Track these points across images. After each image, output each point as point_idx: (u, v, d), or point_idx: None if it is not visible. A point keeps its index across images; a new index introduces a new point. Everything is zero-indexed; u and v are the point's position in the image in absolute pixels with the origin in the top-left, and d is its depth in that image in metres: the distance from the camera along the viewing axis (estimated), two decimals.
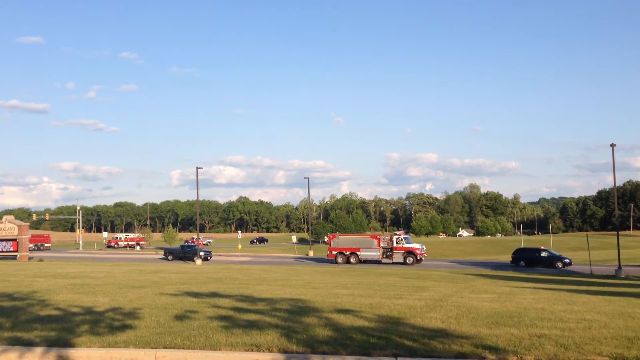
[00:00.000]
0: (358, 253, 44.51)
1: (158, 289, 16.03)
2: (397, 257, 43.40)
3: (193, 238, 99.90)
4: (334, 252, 45.49)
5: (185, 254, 50.89)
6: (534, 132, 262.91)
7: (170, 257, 51.01)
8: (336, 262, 44.37)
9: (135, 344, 7.47)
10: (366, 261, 44.27)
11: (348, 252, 44.76)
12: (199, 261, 44.76)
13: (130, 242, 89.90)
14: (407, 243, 44.46)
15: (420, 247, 45.34)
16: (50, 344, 7.52)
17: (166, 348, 7.24)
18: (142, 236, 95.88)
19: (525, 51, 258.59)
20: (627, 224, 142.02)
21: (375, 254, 44.07)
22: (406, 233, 63.96)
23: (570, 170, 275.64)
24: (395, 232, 50.39)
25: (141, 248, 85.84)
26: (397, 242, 43.87)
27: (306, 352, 7.01)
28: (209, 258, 50.85)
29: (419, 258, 43.88)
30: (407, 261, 43.17)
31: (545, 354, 6.93)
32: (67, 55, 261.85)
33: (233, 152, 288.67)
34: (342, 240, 46.44)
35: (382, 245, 44.20)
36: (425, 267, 40.00)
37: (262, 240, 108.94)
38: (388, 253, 43.86)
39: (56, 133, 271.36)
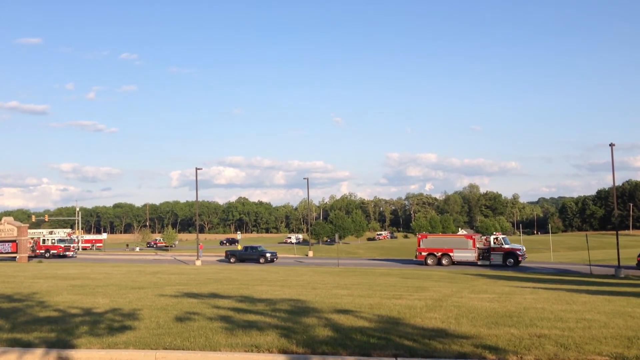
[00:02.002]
0: (451, 254, 42.13)
1: (158, 290, 16.03)
2: (496, 258, 40.95)
3: (156, 240, 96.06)
4: (423, 253, 43.13)
5: (249, 255, 47.88)
6: (533, 132, 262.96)
7: (232, 260, 47.64)
8: (426, 264, 42.22)
9: (135, 345, 7.47)
10: (460, 263, 41.81)
11: (439, 253, 42.47)
12: (198, 262, 44.67)
13: (84, 245, 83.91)
14: (505, 243, 41.93)
15: (520, 247, 42.87)
16: (49, 345, 7.51)
17: (166, 349, 7.24)
18: (100, 237, 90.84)
19: (524, 50, 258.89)
20: (626, 224, 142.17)
21: (471, 255, 41.75)
22: (405, 232, 63.24)
23: (570, 170, 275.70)
24: (493, 232, 47.33)
25: (98, 250, 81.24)
26: (494, 243, 41.52)
27: (306, 352, 7.01)
28: (275, 259, 47.76)
29: (519, 260, 41.19)
30: (507, 263, 40.61)
31: (545, 354, 6.93)
32: (67, 56, 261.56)
33: (232, 153, 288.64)
34: (433, 241, 44.40)
35: (477, 245, 41.98)
36: (425, 268, 40.01)
37: (232, 242, 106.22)
38: (485, 254, 41.54)
39: (56, 134, 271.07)
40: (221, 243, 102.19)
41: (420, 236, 46.12)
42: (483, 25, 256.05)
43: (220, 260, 49.87)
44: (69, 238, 60.97)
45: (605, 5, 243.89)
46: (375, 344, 7.41)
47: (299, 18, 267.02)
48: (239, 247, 57.60)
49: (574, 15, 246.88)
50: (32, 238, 58.09)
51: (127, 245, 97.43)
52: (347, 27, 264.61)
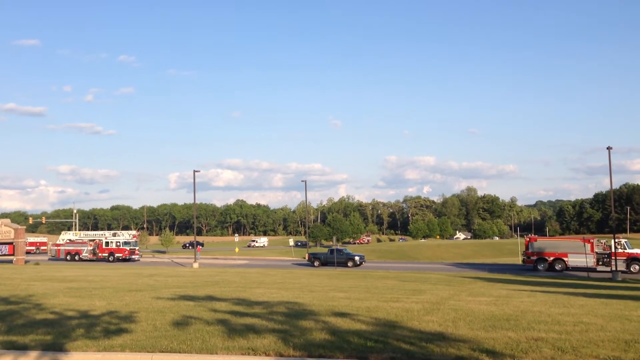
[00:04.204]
0: (565, 259, 39.27)
1: (154, 293, 16.00)
2: (618, 264, 37.52)
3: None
4: (532, 258, 40.36)
5: (335, 258, 43.98)
6: (531, 135, 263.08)
7: (316, 263, 44.61)
8: (535, 269, 39.60)
9: (132, 347, 7.45)
10: (575, 269, 38.97)
11: (551, 258, 39.65)
12: (195, 264, 44.56)
13: (28, 248, 71.05)
14: (628, 247, 39.37)
15: None
16: (45, 348, 7.49)
17: (162, 352, 7.22)
18: (44, 240, 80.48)
19: (522, 54, 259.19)
20: (623, 227, 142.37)
21: (588, 260, 38.62)
22: (405, 235, 62.40)
23: (567, 173, 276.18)
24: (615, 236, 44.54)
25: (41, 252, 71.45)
26: (615, 247, 38.26)
27: (303, 355, 7.00)
28: (362, 262, 44.73)
29: None
30: (632, 269, 38.02)
31: (542, 357, 6.93)
32: (64, 58, 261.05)
33: (231, 155, 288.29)
34: (543, 244, 41.55)
35: (596, 250, 39.00)
36: (422, 270, 40.00)
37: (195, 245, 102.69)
38: (605, 259, 38.53)
39: (53, 136, 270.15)
40: (184, 246, 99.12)
41: (528, 239, 43.09)
42: (481, 28, 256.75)
43: (302, 264, 47.23)
44: (134, 240, 57.30)
45: (604, 8, 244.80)
46: (372, 347, 7.40)
47: (298, 21, 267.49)
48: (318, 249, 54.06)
49: (573, 18, 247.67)
50: (92, 240, 56.22)
51: None
52: (345, 30, 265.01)
